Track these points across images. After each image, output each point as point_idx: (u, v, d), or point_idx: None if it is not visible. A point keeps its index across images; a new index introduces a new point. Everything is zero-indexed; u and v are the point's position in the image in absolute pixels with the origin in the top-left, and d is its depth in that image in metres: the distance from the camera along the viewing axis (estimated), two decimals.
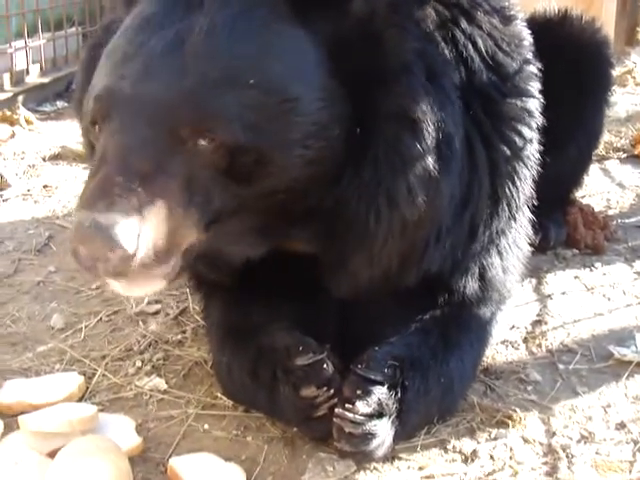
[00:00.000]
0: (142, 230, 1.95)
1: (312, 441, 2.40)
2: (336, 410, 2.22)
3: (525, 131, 2.53)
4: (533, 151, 2.60)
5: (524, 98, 2.53)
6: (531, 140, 2.57)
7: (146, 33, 2.13)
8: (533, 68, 2.61)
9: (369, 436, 2.22)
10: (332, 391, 2.28)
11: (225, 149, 2.06)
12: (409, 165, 2.17)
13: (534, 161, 2.63)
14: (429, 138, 2.16)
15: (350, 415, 2.20)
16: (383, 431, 2.25)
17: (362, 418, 2.20)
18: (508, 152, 2.49)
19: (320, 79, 2.15)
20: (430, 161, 2.18)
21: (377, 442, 2.24)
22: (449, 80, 2.29)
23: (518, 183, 2.56)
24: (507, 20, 2.55)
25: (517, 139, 2.51)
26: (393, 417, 2.28)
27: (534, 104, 2.57)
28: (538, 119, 2.58)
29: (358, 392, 2.24)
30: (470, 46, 2.38)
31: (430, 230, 2.35)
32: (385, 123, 2.15)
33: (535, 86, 2.60)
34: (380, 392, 2.26)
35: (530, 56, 2.63)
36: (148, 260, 1.98)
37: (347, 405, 2.21)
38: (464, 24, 2.38)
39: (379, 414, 2.24)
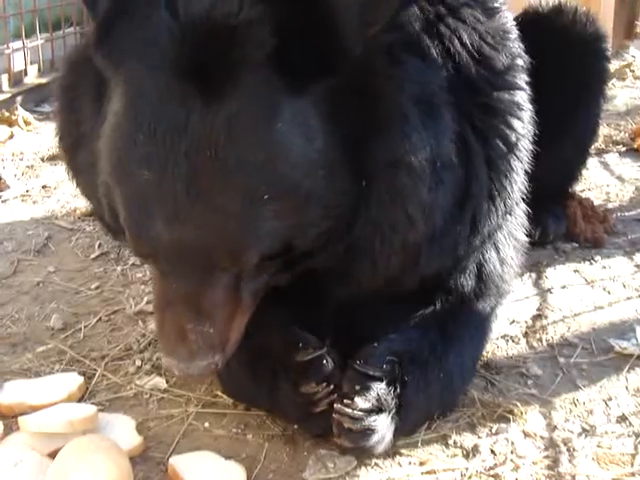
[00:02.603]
0: (218, 355, 2.18)
1: (312, 438, 2.40)
2: (335, 406, 2.22)
3: (516, 124, 2.51)
4: (526, 144, 2.59)
5: (512, 91, 2.51)
6: (523, 132, 2.55)
7: (151, 147, 1.95)
8: (520, 60, 2.60)
9: (368, 432, 2.22)
10: (332, 387, 2.28)
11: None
12: (408, 200, 2.20)
13: (527, 154, 2.61)
14: (424, 173, 2.18)
15: (349, 411, 2.19)
16: (383, 426, 2.25)
17: (361, 414, 2.20)
18: (502, 145, 2.48)
19: (324, 156, 2.06)
20: (426, 190, 2.21)
21: (377, 438, 2.24)
22: (444, 105, 2.26)
23: (513, 177, 2.55)
24: (490, 13, 2.53)
25: (509, 132, 2.49)
26: (393, 412, 2.28)
27: (522, 97, 2.55)
28: (528, 111, 2.57)
29: (357, 388, 2.24)
30: (456, 41, 2.36)
31: (424, 238, 2.36)
32: (383, 171, 2.14)
33: (523, 78, 2.58)
34: (379, 387, 2.26)
35: (516, 48, 2.61)
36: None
37: (346, 401, 2.21)
38: (450, 20, 2.37)
39: (378, 409, 2.24)
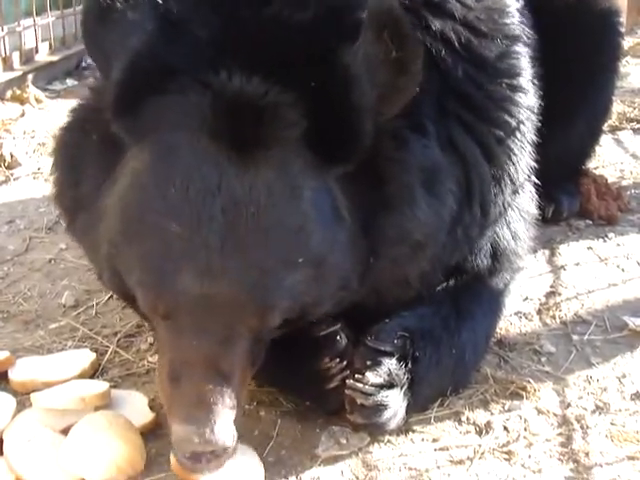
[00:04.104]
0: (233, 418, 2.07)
1: (325, 414, 2.40)
2: (347, 381, 2.22)
3: (514, 109, 2.50)
4: (528, 123, 2.57)
5: (508, 79, 2.49)
6: (523, 115, 2.54)
7: (183, 202, 1.98)
8: (518, 40, 2.56)
9: (381, 407, 2.22)
10: (345, 363, 2.28)
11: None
12: (408, 270, 2.35)
13: (531, 132, 2.60)
14: (426, 246, 2.29)
15: (360, 385, 2.20)
16: (395, 402, 2.25)
17: (372, 389, 2.20)
18: (501, 133, 2.47)
19: (346, 231, 2.13)
20: (426, 259, 2.35)
21: (389, 413, 2.25)
22: (445, 176, 2.31)
23: (517, 157, 2.54)
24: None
25: (508, 118, 2.48)
26: (405, 388, 2.28)
27: (521, 80, 2.53)
28: (529, 92, 2.54)
29: (368, 363, 2.24)
30: (441, 46, 2.32)
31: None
32: (389, 246, 2.22)
33: (522, 58, 2.55)
34: (389, 363, 2.26)
35: (515, 25, 2.56)
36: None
37: (357, 376, 2.21)
38: (435, 23, 2.31)
39: (389, 385, 2.24)
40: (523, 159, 2.60)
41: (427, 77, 2.16)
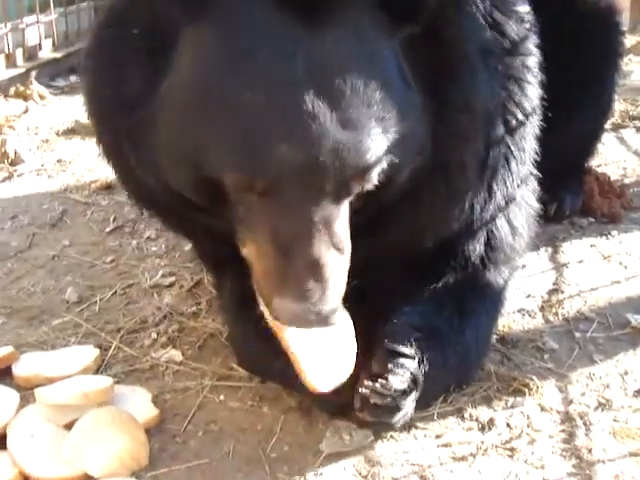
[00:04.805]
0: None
1: (329, 412, 2.40)
2: (365, 382, 2.19)
3: (529, 90, 2.51)
4: (537, 111, 2.58)
5: (523, 57, 2.50)
6: (535, 99, 2.54)
7: (268, 72, 1.94)
8: (529, 25, 2.58)
9: (395, 409, 2.22)
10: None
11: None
12: (467, 145, 2.31)
13: (538, 121, 2.60)
14: (484, 120, 2.30)
15: (384, 390, 2.18)
16: (409, 405, 2.26)
17: (395, 393, 2.19)
18: (517, 111, 2.48)
19: (414, 95, 2.14)
20: (481, 141, 2.33)
21: (401, 414, 2.25)
22: (494, 59, 2.37)
23: (527, 143, 2.55)
24: None
25: (524, 99, 2.48)
26: (419, 391, 2.28)
27: (533, 61, 2.54)
28: (539, 76, 2.55)
29: (389, 366, 2.22)
30: (474, 8, 2.36)
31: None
32: (454, 113, 2.23)
33: (533, 42, 2.57)
34: (412, 366, 2.26)
35: (526, 13, 2.58)
36: None
37: (381, 381, 2.18)
38: None
39: (411, 390, 2.24)
40: (531, 147, 2.61)
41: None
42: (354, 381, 2.23)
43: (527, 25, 2.56)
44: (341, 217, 2.05)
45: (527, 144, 2.57)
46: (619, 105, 5.28)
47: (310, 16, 1.95)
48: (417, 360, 2.27)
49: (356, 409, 2.24)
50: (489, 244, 2.65)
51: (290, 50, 1.93)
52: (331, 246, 2.01)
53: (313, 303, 1.96)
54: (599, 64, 3.65)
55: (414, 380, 2.25)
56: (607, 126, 4.36)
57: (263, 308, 2.17)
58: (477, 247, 2.62)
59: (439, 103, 2.18)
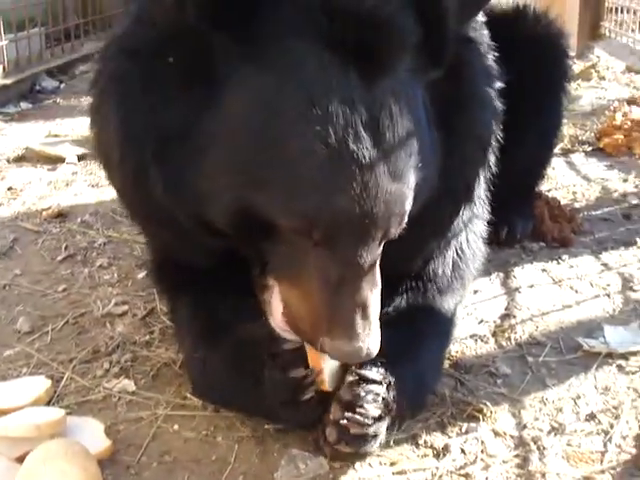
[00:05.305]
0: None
1: (284, 438, 2.40)
2: (345, 414, 2.21)
3: (492, 114, 2.54)
4: (494, 138, 2.60)
5: (486, 86, 2.52)
6: (492, 125, 2.56)
7: (327, 122, 1.95)
8: (492, 56, 2.62)
9: (374, 438, 2.25)
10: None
11: None
12: (473, 170, 2.49)
13: (496, 147, 2.62)
14: (490, 146, 2.50)
15: (360, 419, 2.20)
16: (384, 431, 2.28)
17: (371, 421, 2.21)
18: (481, 134, 2.53)
19: (433, 133, 2.24)
20: (487, 162, 2.53)
21: (378, 441, 2.27)
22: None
23: (484, 170, 2.57)
24: None
25: (481, 128, 2.51)
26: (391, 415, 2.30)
27: (493, 91, 2.56)
28: (498, 104, 2.57)
29: (362, 394, 2.24)
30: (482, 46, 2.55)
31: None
32: (464, 143, 2.39)
33: (495, 72, 2.59)
34: (383, 392, 2.27)
35: (489, 41, 2.64)
36: None
37: (359, 409, 2.21)
38: None
39: (385, 415, 2.26)
40: (487, 172, 2.63)
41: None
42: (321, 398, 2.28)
43: (490, 54, 2.61)
44: (378, 258, 2.16)
45: (485, 172, 2.60)
46: (568, 130, 5.37)
47: (363, 65, 1.99)
48: (386, 385, 2.28)
49: (331, 442, 2.25)
50: (450, 267, 2.69)
51: (350, 100, 1.97)
52: (373, 286, 2.15)
53: (361, 341, 2.11)
54: (548, 89, 3.71)
55: (386, 405, 2.26)
56: (557, 151, 4.44)
57: (288, 335, 2.29)
58: (437, 271, 2.66)
59: (450, 135, 2.28)
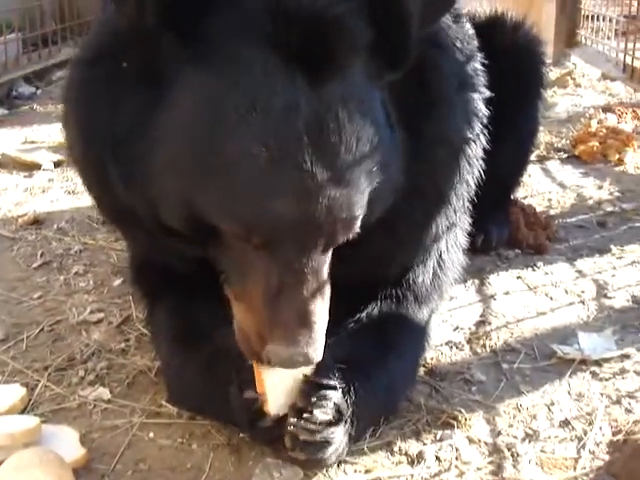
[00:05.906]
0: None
1: (258, 447, 2.39)
2: (291, 420, 2.19)
3: (474, 123, 2.54)
4: (478, 147, 2.60)
5: (469, 92, 2.54)
6: (477, 133, 2.57)
7: (268, 126, 1.93)
8: (478, 64, 2.65)
9: (326, 444, 2.21)
10: None
11: None
12: (444, 174, 2.46)
13: (479, 156, 2.63)
14: (458, 153, 2.45)
15: (307, 424, 2.18)
16: (339, 437, 2.24)
17: (320, 427, 2.19)
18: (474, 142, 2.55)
19: (396, 138, 2.20)
20: (457, 170, 2.48)
21: (333, 449, 2.23)
22: (473, 87, 2.56)
23: (466, 178, 2.57)
24: (457, 19, 2.59)
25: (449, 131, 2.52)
26: (348, 422, 2.27)
27: (478, 97, 2.58)
28: (483, 112, 2.58)
29: (313, 400, 2.22)
30: (452, 49, 2.50)
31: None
32: (434, 148, 2.36)
33: (480, 80, 2.62)
34: (336, 397, 2.24)
35: (476, 52, 2.67)
36: None
37: (306, 415, 2.19)
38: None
39: (337, 421, 2.23)
40: (469, 183, 2.63)
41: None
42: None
43: (477, 64, 2.64)
44: (325, 265, 2.14)
45: (468, 180, 2.60)
46: (544, 137, 5.40)
47: (310, 67, 1.95)
48: (341, 391, 2.26)
49: (288, 448, 2.22)
50: (430, 272, 2.70)
51: (294, 104, 1.93)
52: (317, 293, 2.10)
53: (301, 347, 2.07)
54: (524, 96, 3.73)
55: (338, 410, 2.24)
56: (532, 158, 4.45)
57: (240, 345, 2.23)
58: (424, 277, 2.67)
59: (417, 138, 2.26)
